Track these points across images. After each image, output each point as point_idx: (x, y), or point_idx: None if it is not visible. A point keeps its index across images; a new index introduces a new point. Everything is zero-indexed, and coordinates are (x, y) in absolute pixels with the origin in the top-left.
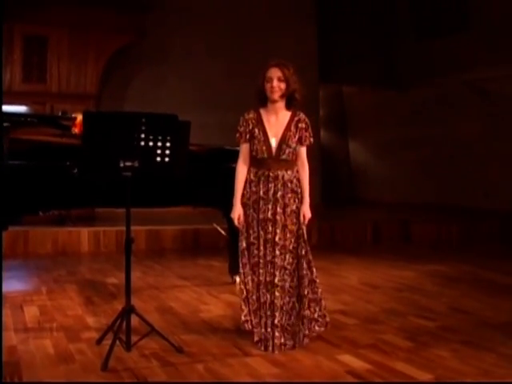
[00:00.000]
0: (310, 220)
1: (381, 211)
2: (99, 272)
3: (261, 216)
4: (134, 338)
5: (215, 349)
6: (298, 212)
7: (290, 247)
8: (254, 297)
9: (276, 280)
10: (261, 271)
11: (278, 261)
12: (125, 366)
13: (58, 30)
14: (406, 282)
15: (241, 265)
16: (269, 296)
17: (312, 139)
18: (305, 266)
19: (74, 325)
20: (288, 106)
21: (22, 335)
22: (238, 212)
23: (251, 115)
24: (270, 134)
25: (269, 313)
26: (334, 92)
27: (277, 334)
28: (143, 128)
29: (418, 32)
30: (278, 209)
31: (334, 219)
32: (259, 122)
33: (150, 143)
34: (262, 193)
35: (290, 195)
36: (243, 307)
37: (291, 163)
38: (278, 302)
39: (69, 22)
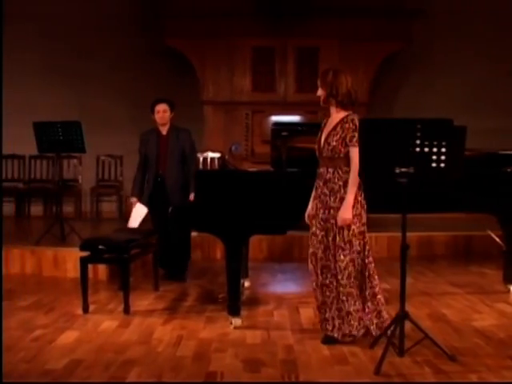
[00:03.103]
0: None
1: None
2: None
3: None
4: (406, 344)
5: (489, 359)
6: (335, 210)
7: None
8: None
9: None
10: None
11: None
12: (397, 371)
13: (329, 40)
14: None
15: None
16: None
17: None
18: (332, 266)
19: None
20: (341, 108)
21: (298, 335)
22: (308, 210)
23: (323, 122)
24: (322, 135)
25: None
26: None
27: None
28: (418, 134)
29: None
30: (318, 204)
31: None
32: (323, 127)
33: (426, 149)
34: (315, 188)
35: (326, 191)
36: None
37: (334, 161)
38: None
39: (339, 33)
